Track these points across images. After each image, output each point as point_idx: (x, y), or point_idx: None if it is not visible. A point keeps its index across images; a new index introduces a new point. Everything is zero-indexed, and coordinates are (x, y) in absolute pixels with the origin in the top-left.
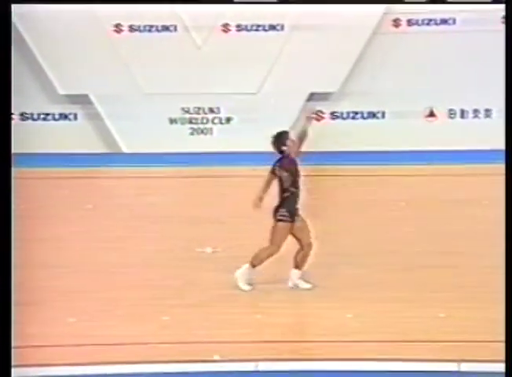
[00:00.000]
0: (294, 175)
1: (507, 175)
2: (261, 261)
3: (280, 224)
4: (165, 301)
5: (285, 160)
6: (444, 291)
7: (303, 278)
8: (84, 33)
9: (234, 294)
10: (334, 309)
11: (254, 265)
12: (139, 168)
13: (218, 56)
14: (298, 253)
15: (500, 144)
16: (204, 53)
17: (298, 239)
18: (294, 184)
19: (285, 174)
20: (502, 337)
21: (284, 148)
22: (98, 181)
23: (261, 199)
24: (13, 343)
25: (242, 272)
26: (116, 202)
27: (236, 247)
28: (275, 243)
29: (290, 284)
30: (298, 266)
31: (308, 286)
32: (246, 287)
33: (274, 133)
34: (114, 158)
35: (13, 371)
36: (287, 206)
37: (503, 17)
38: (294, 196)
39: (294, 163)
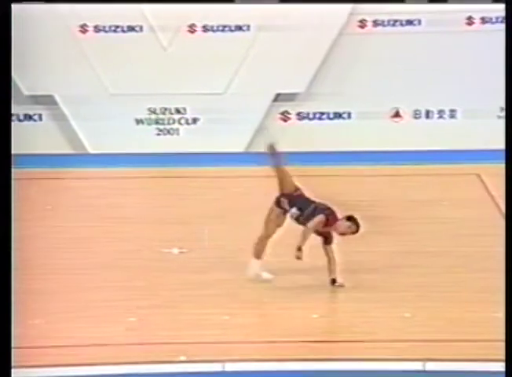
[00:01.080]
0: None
1: (507, 175)
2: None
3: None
4: (131, 303)
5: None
6: (409, 291)
7: (265, 268)
8: (49, 33)
9: (201, 294)
10: (300, 310)
11: (257, 257)
12: (105, 169)
13: (185, 56)
14: (258, 241)
15: (464, 144)
16: (170, 54)
17: (267, 227)
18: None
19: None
20: (466, 336)
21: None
22: (63, 182)
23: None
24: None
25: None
26: (82, 203)
27: (203, 247)
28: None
29: (250, 274)
30: (259, 256)
31: (270, 276)
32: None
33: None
34: (79, 158)
35: None
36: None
37: (467, 18)
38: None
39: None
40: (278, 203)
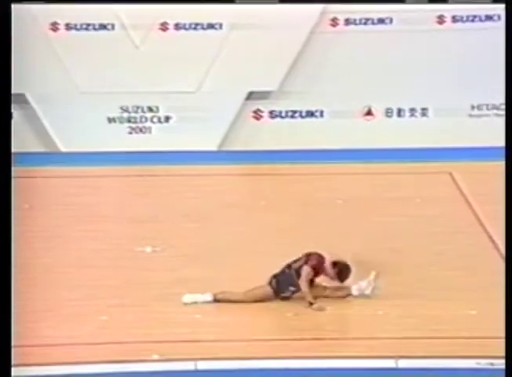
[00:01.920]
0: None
1: (507, 174)
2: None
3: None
4: (103, 301)
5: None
6: (382, 289)
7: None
8: (20, 31)
9: (173, 293)
10: (272, 309)
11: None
12: (77, 167)
13: (157, 55)
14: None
15: (436, 142)
16: (142, 52)
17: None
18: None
19: None
20: (439, 333)
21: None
22: (36, 181)
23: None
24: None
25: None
26: (54, 201)
27: (176, 246)
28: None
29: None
30: (216, 297)
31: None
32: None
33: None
34: (51, 157)
35: None
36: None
37: (438, 17)
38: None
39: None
40: (270, 282)
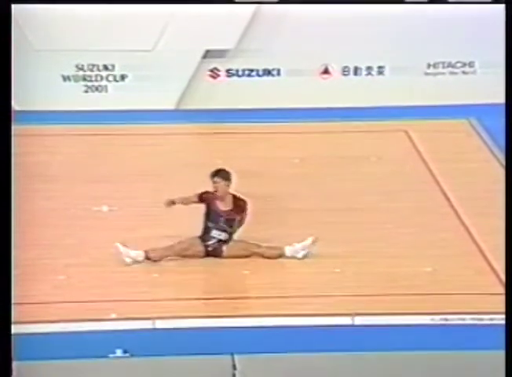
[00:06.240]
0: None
1: (507, 172)
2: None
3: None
4: (60, 261)
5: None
6: (338, 247)
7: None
8: None
9: None
10: (229, 267)
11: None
12: (32, 126)
13: (112, 12)
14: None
15: (392, 100)
16: (97, 9)
17: None
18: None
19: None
20: (395, 290)
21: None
22: None
23: (173, 203)
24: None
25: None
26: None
27: (133, 205)
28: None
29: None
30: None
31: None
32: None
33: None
34: None
35: None
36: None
37: None
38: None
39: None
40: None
